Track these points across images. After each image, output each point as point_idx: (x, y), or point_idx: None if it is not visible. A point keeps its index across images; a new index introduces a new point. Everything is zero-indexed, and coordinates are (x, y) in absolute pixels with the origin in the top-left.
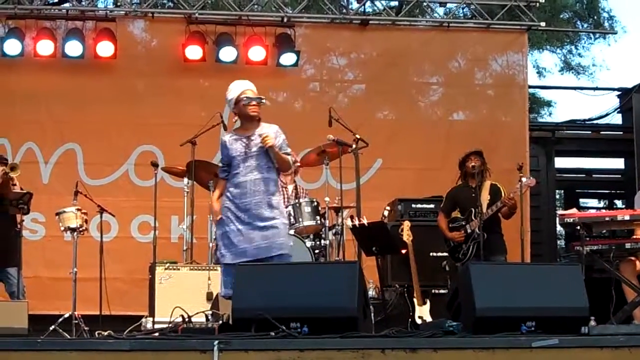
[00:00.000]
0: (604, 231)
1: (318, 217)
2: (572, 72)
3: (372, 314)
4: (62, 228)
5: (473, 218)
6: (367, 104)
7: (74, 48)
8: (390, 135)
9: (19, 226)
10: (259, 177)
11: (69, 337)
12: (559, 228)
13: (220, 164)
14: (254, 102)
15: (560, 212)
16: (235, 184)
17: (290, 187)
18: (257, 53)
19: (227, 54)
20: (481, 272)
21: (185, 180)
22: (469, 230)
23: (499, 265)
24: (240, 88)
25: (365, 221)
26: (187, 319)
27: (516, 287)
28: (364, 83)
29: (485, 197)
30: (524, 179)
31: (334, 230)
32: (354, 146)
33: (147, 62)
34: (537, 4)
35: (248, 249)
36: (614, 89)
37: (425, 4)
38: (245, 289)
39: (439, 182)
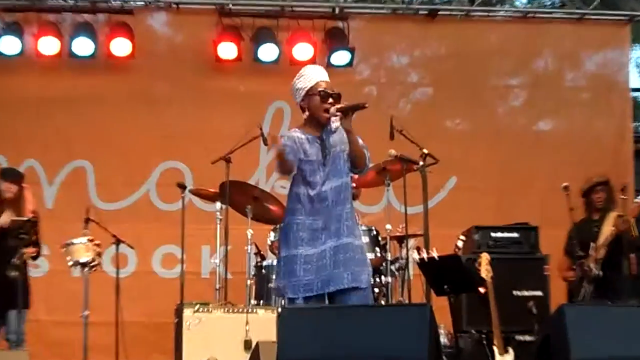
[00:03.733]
0: None
1: (377, 249)
2: None
3: None
4: (70, 262)
5: (591, 254)
6: (435, 112)
7: (83, 46)
8: (464, 149)
9: (17, 260)
10: (340, 182)
11: None
12: None
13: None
14: (331, 100)
15: None
16: (311, 196)
17: None
18: (303, 51)
19: (268, 52)
20: (579, 315)
21: (218, 204)
22: (586, 269)
23: (601, 307)
24: (316, 76)
25: (435, 254)
26: None
27: (623, 334)
28: (431, 86)
29: (607, 231)
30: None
31: (397, 265)
32: (420, 163)
33: (171, 63)
34: None
35: (321, 279)
36: None
37: None
38: (292, 334)
39: (525, 205)
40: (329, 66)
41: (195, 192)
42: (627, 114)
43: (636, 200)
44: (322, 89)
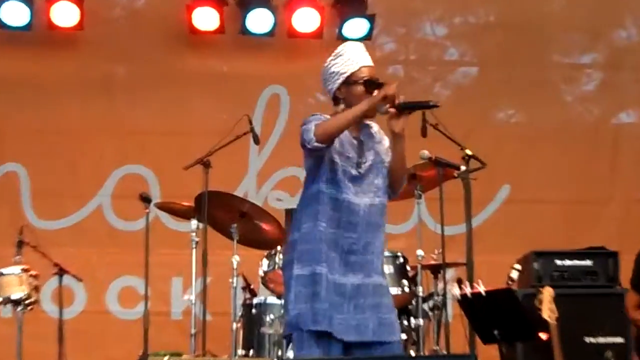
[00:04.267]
0: None
1: (405, 282)
2: None
3: None
4: None
5: None
6: (481, 99)
7: (14, 14)
8: (520, 149)
9: None
10: (377, 202)
11: None
12: None
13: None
14: (376, 92)
15: None
16: (338, 199)
17: None
18: (306, 19)
19: (259, 20)
20: None
21: (194, 222)
22: None
23: None
24: (359, 59)
25: (481, 288)
26: None
27: None
28: (477, 65)
29: None
30: None
31: (431, 303)
32: (462, 168)
33: (132, 36)
34: None
35: (348, 323)
36: None
37: None
38: None
39: (601, 223)
40: (340, 39)
41: (164, 207)
42: None
43: None
44: (368, 77)
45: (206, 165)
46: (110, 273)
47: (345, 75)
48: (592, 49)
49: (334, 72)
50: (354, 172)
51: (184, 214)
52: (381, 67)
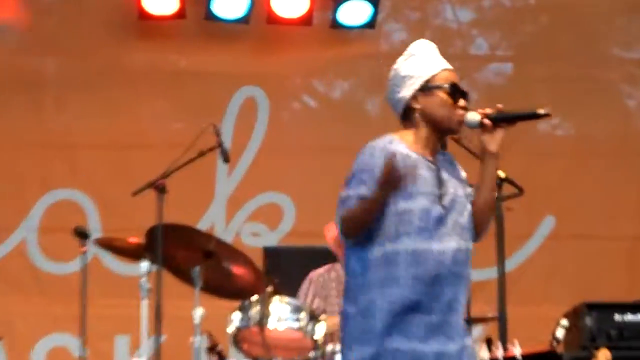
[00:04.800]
0: None
1: None
2: None
3: None
4: None
5: None
6: (517, 104)
7: None
8: (568, 169)
9: None
10: (463, 246)
11: None
12: None
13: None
14: (462, 101)
15: None
16: (419, 258)
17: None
18: (291, 2)
19: (230, 3)
20: None
21: (144, 264)
22: None
23: None
24: (437, 61)
25: (517, 349)
26: None
27: None
28: (512, 61)
29: None
30: None
31: None
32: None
33: (65, 23)
34: None
35: None
36: None
37: None
38: None
39: None
40: (334, 27)
41: (106, 244)
42: None
43: None
44: (451, 82)
45: (160, 189)
46: (37, 329)
47: (424, 78)
48: None
49: (407, 75)
50: (436, 210)
51: (132, 253)
52: (388, 62)
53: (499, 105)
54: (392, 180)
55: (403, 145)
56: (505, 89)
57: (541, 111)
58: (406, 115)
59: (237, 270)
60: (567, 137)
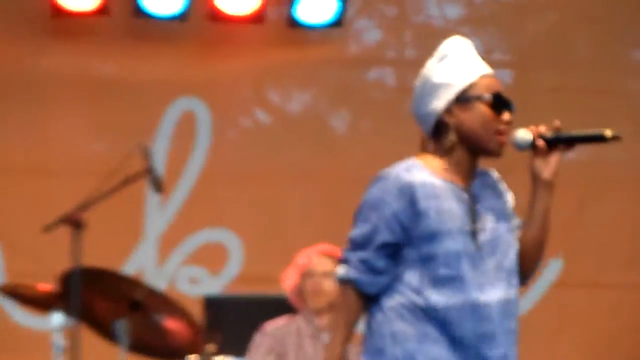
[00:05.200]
0: None
1: None
2: None
3: None
4: None
5: None
6: (519, 120)
7: None
8: (580, 202)
9: None
10: (512, 295)
11: None
12: None
13: (364, 251)
14: (507, 116)
15: None
16: (449, 310)
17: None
18: None
19: None
20: None
21: (58, 316)
22: None
23: None
24: (475, 65)
25: None
26: None
27: None
28: (511, 67)
29: None
30: None
31: None
32: None
33: None
34: None
35: None
36: None
37: None
38: None
39: None
40: (292, 26)
41: (11, 291)
42: None
43: None
44: (494, 91)
45: (77, 225)
46: None
47: (460, 87)
48: None
49: (440, 83)
50: (468, 252)
51: (43, 303)
52: (357, 70)
53: (556, 123)
54: None
55: (427, 171)
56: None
57: (609, 133)
58: (437, 132)
59: (171, 324)
60: (579, 163)
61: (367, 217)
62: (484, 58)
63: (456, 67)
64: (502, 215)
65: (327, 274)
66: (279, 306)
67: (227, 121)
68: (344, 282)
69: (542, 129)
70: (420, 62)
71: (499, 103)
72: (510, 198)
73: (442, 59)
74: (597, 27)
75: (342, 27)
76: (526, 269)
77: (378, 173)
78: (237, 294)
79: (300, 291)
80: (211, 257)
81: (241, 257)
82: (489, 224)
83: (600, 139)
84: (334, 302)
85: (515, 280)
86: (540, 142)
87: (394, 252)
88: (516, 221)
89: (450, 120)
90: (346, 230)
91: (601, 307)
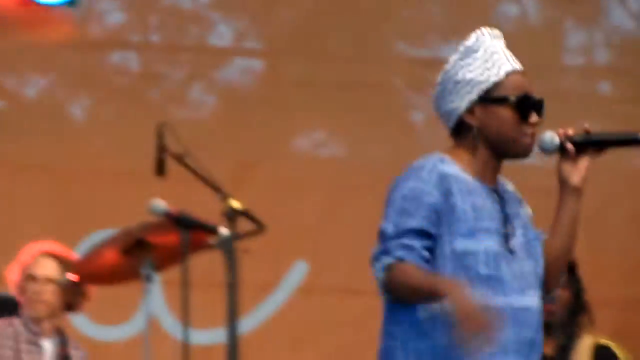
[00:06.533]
0: None
1: None
2: None
3: None
4: None
5: None
6: (270, 113)
7: None
8: (330, 203)
9: None
10: (533, 303)
11: None
12: None
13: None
14: (535, 117)
15: None
16: (488, 309)
17: None
18: None
19: None
20: None
21: None
22: None
23: None
24: (502, 60)
25: None
26: None
27: None
28: (262, 56)
29: None
30: None
31: None
32: (222, 231)
33: None
34: None
35: None
36: None
37: None
38: None
39: None
40: (26, 4)
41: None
42: None
43: None
44: (522, 92)
45: None
46: None
47: (484, 86)
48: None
49: (463, 80)
50: (504, 255)
51: None
52: (101, 52)
53: (586, 125)
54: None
55: (456, 166)
56: (253, 92)
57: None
58: (460, 132)
59: None
60: (332, 160)
61: (403, 209)
62: (234, 46)
63: (480, 63)
64: (527, 222)
65: (49, 280)
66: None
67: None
68: (391, 269)
69: (570, 131)
70: (165, 46)
71: (526, 105)
72: (528, 208)
73: (466, 53)
74: (355, 16)
75: (80, 6)
76: (552, 279)
77: (410, 165)
78: None
79: (22, 291)
80: None
81: None
82: (519, 229)
83: (634, 141)
84: (55, 311)
85: (539, 287)
86: (569, 146)
87: (431, 244)
88: (536, 231)
89: (473, 121)
90: (82, 226)
91: (350, 315)
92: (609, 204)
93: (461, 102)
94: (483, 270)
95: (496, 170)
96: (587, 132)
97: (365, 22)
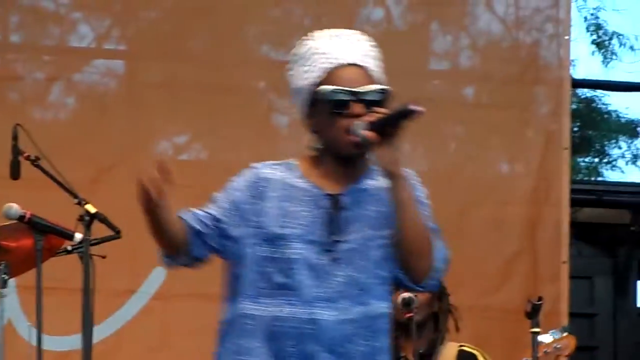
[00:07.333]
0: None
1: None
2: None
3: None
4: None
5: None
6: (133, 116)
7: None
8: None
9: None
10: (361, 314)
11: None
12: None
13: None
14: (357, 109)
15: None
16: (272, 322)
17: None
18: None
19: None
20: None
21: None
22: None
23: None
24: (320, 66)
25: None
26: None
27: None
28: (123, 57)
29: None
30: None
31: None
32: (77, 236)
33: None
34: None
35: None
36: None
37: None
38: None
39: None
40: None
41: None
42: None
43: None
44: (341, 88)
45: None
46: None
47: (308, 90)
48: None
49: (296, 89)
50: (313, 258)
51: None
52: None
53: (378, 109)
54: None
55: (298, 173)
56: (113, 94)
57: (410, 107)
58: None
59: None
60: (195, 163)
61: (214, 197)
62: (95, 47)
63: (303, 68)
64: (376, 223)
65: None
66: None
67: None
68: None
69: (372, 118)
70: (25, 47)
71: (341, 98)
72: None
73: (292, 62)
74: (217, 17)
75: None
76: (408, 271)
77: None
78: None
79: None
80: None
81: None
82: (353, 234)
83: (406, 113)
84: None
85: (376, 299)
86: (369, 133)
87: (220, 234)
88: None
89: (310, 127)
90: None
91: (206, 320)
92: (468, 210)
93: (300, 109)
94: (278, 278)
95: (341, 173)
96: (381, 116)
97: (228, 24)
